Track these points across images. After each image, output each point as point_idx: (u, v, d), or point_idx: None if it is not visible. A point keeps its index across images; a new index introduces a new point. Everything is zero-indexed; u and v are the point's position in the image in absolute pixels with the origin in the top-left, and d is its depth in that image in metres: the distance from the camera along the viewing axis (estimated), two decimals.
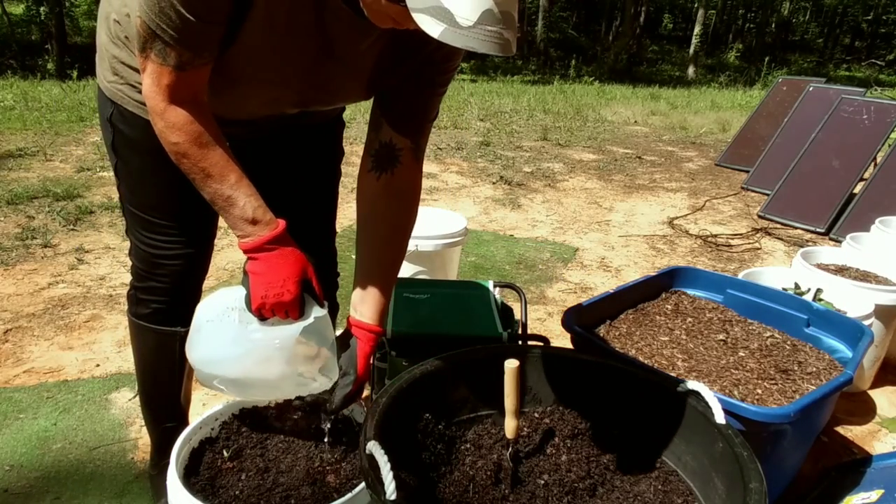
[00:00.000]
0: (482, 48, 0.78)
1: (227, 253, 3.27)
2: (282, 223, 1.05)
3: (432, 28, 0.77)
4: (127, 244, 1.41)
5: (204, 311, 1.09)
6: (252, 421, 1.24)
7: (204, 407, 1.98)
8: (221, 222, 1.23)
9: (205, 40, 0.96)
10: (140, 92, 1.05)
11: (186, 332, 1.11)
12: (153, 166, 1.20)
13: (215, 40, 0.98)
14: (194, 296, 1.44)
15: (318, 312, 1.06)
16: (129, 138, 1.24)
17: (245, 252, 1.04)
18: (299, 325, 1.04)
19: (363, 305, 1.19)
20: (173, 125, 1.00)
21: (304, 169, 1.43)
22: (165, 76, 0.97)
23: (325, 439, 1.18)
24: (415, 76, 1.14)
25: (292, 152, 1.40)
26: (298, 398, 1.16)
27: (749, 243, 4.22)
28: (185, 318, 1.36)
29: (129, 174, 1.30)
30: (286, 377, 1.05)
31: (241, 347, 1.04)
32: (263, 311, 1.02)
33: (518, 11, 0.85)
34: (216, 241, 1.44)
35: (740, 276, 2.17)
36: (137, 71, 1.09)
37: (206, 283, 1.46)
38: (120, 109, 1.23)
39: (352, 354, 1.16)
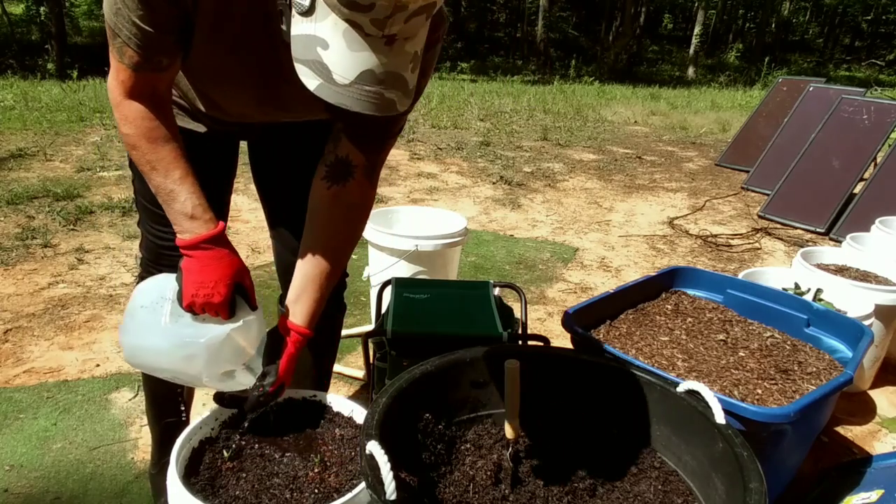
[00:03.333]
0: (356, 106, 0.81)
1: None
2: (221, 224, 1.08)
3: (309, 81, 0.81)
4: (127, 244, 1.41)
5: (140, 296, 1.11)
6: (252, 421, 1.24)
7: (204, 407, 1.98)
8: (229, 218, 1.21)
9: (155, 47, 0.98)
10: None
11: None
12: None
13: (165, 49, 1.00)
14: None
15: (247, 315, 1.09)
16: None
17: (181, 248, 1.06)
18: (227, 327, 1.07)
19: (297, 306, 1.19)
20: (126, 117, 1.04)
21: (301, 161, 1.42)
22: (122, 72, 1.01)
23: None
24: None
25: (287, 146, 1.41)
26: (219, 393, 1.18)
27: (749, 243, 4.22)
28: None
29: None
30: (209, 373, 1.08)
31: (169, 340, 1.06)
32: (194, 308, 1.05)
33: (417, 71, 0.86)
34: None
35: (740, 276, 2.17)
36: None
37: None
38: None
39: (276, 355, 1.16)
